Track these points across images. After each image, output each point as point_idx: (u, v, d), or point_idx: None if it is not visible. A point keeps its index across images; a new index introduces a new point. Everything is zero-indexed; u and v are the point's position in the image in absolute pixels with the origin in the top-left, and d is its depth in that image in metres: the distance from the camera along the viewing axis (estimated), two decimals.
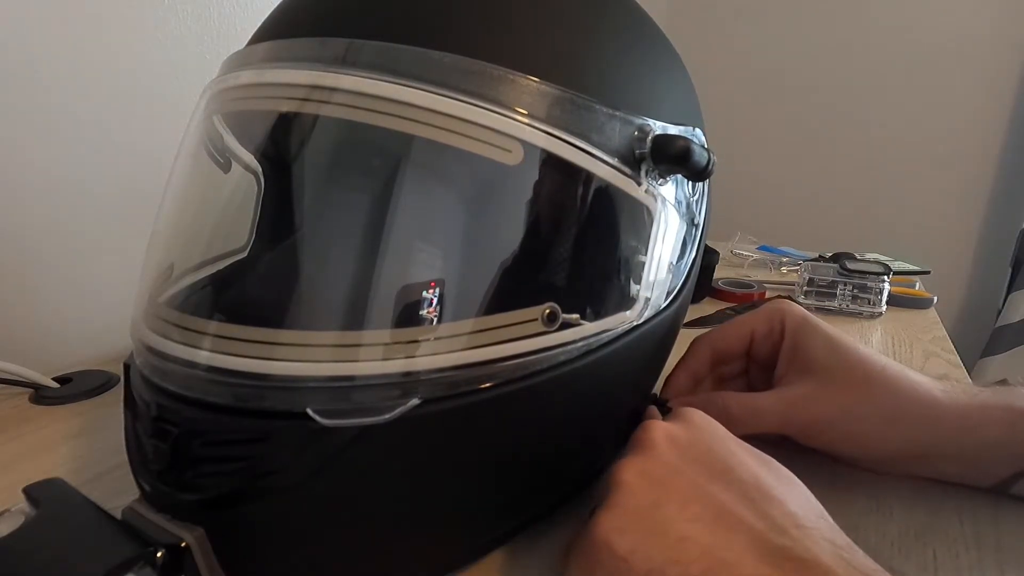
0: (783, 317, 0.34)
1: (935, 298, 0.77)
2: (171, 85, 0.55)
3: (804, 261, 0.80)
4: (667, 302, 0.29)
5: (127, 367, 0.26)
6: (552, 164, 0.23)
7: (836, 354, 0.31)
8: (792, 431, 0.32)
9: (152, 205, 0.29)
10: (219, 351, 0.22)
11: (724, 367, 0.37)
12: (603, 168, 0.24)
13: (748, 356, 0.36)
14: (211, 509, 0.22)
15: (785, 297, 0.75)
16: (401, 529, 0.24)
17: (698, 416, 0.27)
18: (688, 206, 0.29)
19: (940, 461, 0.32)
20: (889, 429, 0.31)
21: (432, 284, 0.22)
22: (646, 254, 0.26)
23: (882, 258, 0.92)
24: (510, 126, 0.22)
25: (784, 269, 0.94)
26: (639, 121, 0.25)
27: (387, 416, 0.21)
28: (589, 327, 0.25)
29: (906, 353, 0.59)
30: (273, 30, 0.26)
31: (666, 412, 0.32)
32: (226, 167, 0.28)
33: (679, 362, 0.36)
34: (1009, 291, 1.43)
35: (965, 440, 0.30)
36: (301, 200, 0.28)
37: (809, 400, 0.31)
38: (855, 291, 0.71)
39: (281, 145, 0.26)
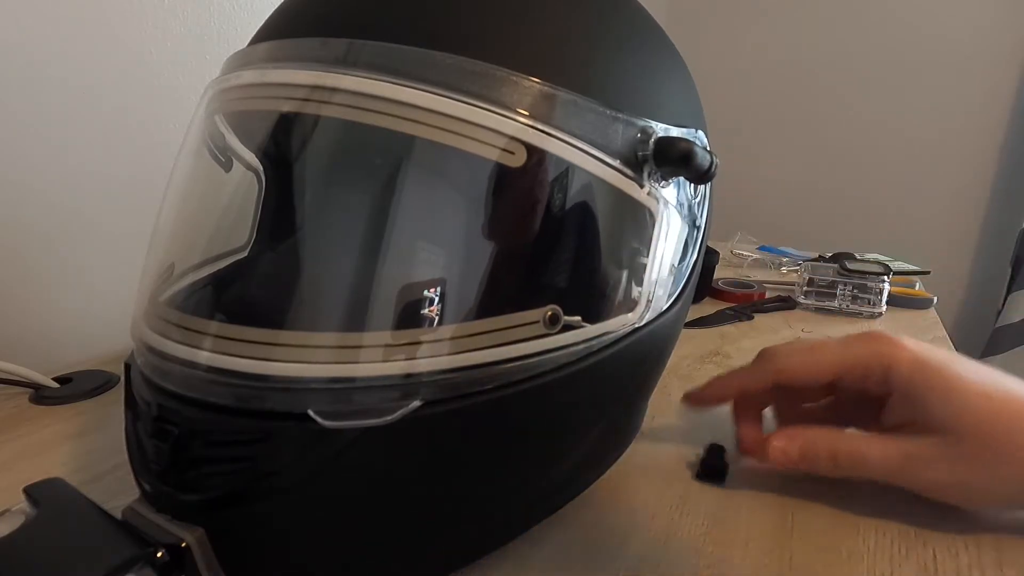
0: (889, 364, 0.28)
1: (935, 298, 0.77)
2: (171, 85, 0.55)
3: (804, 261, 0.80)
4: (668, 304, 0.29)
5: (128, 367, 0.26)
6: (554, 166, 0.23)
7: (962, 414, 0.27)
8: (900, 484, 0.29)
9: (153, 204, 0.29)
10: (220, 351, 0.22)
11: (791, 400, 0.33)
12: (605, 170, 0.24)
13: (827, 388, 0.32)
14: (211, 509, 0.22)
15: (786, 297, 0.75)
16: (401, 530, 0.24)
17: None
18: (690, 208, 0.29)
19: None
20: (1019, 497, 0.27)
21: (433, 285, 0.22)
22: (648, 256, 0.26)
23: (882, 258, 0.92)
24: (512, 128, 0.22)
25: (784, 269, 0.95)
26: (642, 123, 0.25)
27: (388, 418, 0.21)
28: (591, 329, 0.25)
29: None
30: (275, 30, 0.26)
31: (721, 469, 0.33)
32: (227, 166, 0.28)
33: (736, 370, 0.33)
34: (1009, 291, 1.43)
35: None
36: (302, 200, 0.28)
37: (928, 463, 0.27)
38: (855, 291, 0.71)
39: (282, 145, 0.26)
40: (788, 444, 0.28)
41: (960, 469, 0.27)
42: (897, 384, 0.29)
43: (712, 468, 0.34)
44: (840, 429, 0.30)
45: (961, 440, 0.27)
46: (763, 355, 0.32)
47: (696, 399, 0.33)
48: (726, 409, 0.45)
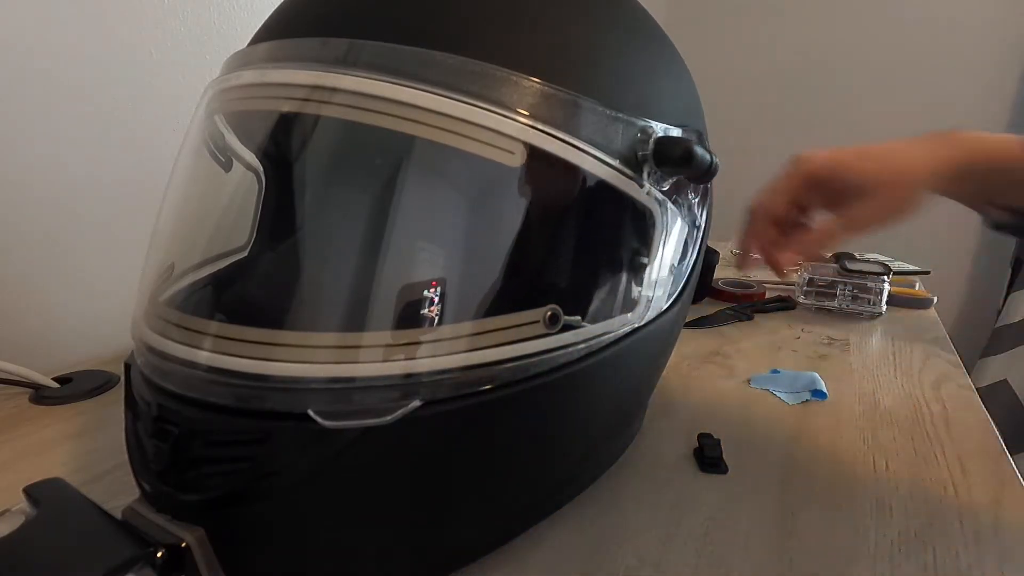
0: (815, 173, 0.35)
1: (935, 298, 0.77)
2: (171, 85, 0.55)
3: (804, 261, 0.80)
4: (668, 303, 0.29)
5: (128, 367, 0.26)
6: (554, 166, 0.23)
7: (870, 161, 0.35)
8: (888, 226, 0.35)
9: (153, 205, 0.29)
10: (220, 351, 0.22)
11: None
12: (605, 170, 0.24)
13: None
14: (211, 509, 0.22)
15: (786, 297, 0.75)
16: (401, 530, 0.24)
17: None
18: (690, 208, 0.29)
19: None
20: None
21: (433, 285, 0.22)
22: (648, 256, 0.26)
23: (882, 258, 0.92)
24: (512, 127, 0.22)
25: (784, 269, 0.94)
26: (641, 123, 0.25)
27: (388, 418, 0.21)
28: (591, 329, 0.25)
29: (906, 353, 0.59)
30: (275, 30, 0.26)
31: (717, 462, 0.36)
32: (227, 166, 0.28)
33: (772, 185, 0.37)
34: (1009, 291, 1.43)
35: None
36: (302, 200, 0.28)
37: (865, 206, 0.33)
38: (855, 291, 0.71)
39: (282, 145, 0.26)
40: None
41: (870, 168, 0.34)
42: (835, 182, 0.34)
43: (711, 459, 0.36)
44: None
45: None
46: (753, 212, 0.38)
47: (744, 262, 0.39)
48: (725, 409, 0.45)
